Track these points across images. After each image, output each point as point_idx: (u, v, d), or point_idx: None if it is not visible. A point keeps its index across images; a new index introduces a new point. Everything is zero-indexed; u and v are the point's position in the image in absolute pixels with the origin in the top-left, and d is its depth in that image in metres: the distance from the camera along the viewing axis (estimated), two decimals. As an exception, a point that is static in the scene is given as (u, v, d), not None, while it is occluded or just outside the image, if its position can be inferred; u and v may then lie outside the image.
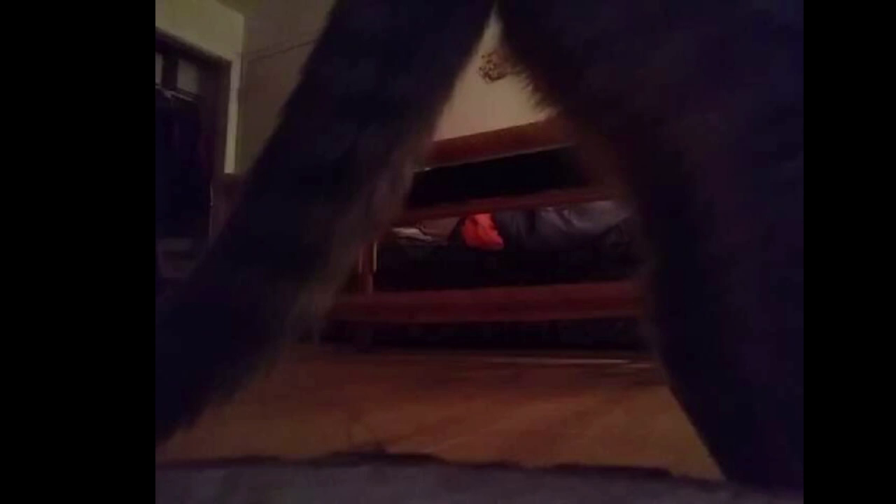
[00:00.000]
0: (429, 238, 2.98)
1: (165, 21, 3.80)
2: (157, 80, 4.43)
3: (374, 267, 2.47)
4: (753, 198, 0.33)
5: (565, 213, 2.63)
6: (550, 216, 2.64)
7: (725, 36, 0.33)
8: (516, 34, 0.40)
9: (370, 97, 0.36)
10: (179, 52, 4.39)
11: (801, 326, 0.30)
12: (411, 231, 2.98)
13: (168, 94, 4.53)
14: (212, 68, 4.59)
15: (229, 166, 4.37)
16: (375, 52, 0.37)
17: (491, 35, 0.40)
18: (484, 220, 2.75)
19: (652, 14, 0.34)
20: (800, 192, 0.29)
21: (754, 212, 0.33)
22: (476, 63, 0.41)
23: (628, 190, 0.47)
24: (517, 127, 1.70)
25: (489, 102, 2.35)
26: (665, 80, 0.34)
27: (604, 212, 2.51)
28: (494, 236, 2.72)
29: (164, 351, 0.35)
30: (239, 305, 0.36)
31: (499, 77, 3.30)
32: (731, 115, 0.32)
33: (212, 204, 4.16)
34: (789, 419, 0.32)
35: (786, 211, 0.31)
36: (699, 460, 0.43)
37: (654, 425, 0.89)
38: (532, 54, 0.41)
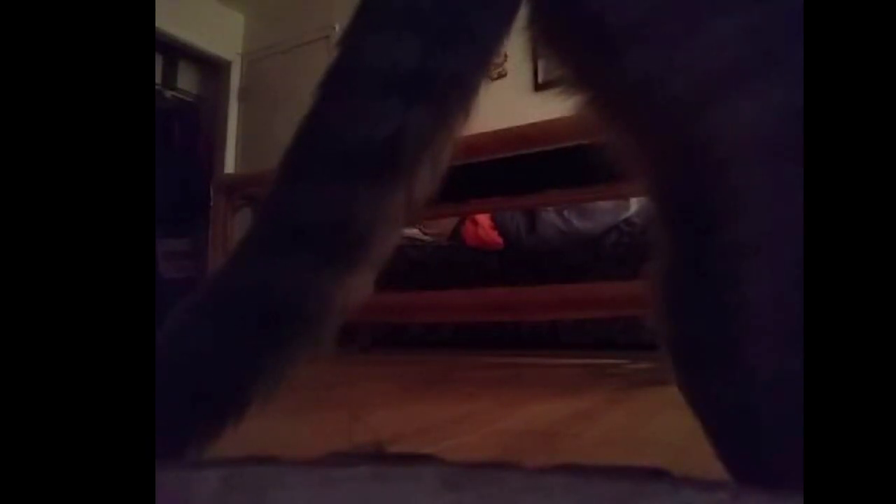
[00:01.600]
0: (429, 238, 2.97)
1: (165, 21, 3.79)
2: (157, 80, 4.43)
3: (374, 267, 2.46)
4: (782, 188, 0.32)
5: (565, 213, 2.63)
6: (550, 216, 2.64)
7: (766, 23, 0.32)
8: (548, 15, 0.39)
9: (416, 74, 0.35)
10: (179, 52, 4.39)
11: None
12: (411, 231, 2.97)
13: (168, 94, 4.53)
14: (212, 68, 4.59)
15: (229, 166, 4.36)
16: (421, 27, 0.36)
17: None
18: (484, 220, 2.75)
19: None
20: None
21: (782, 202, 0.32)
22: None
23: (651, 179, 0.46)
24: (517, 127, 1.70)
25: (489, 102, 2.35)
26: (704, 67, 0.34)
27: (604, 212, 2.51)
28: (494, 236, 2.72)
29: (206, 348, 0.35)
30: (282, 296, 0.35)
31: (499, 77, 3.30)
32: (767, 105, 0.32)
33: (212, 204, 4.15)
34: (795, 415, 0.32)
35: None
36: (699, 460, 0.43)
37: (654, 425, 0.89)
38: (565, 36, 0.40)
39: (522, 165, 1.93)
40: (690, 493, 0.28)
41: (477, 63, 0.37)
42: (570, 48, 0.41)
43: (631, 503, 0.27)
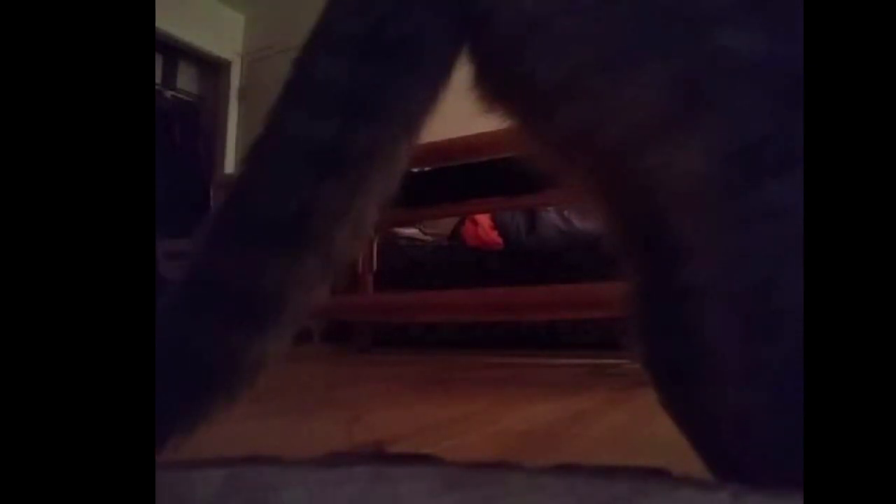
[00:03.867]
0: (429, 238, 2.98)
1: (165, 21, 3.79)
2: (157, 80, 4.42)
3: (374, 267, 2.47)
4: (719, 232, 0.33)
5: (565, 213, 2.63)
6: (550, 216, 2.64)
7: (691, 72, 0.33)
8: (489, 76, 0.40)
9: (331, 149, 0.36)
10: (179, 52, 4.39)
11: (768, 360, 0.30)
12: (411, 231, 2.98)
13: (168, 94, 4.53)
14: (212, 68, 4.59)
15: (229, 166, 4.36)
16: (338, 103, 0.37)
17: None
18: (484, 220, 2.75)
19: (620, 52, 0.34)
20: (763, 227, 0.31)
21: (720, 246, 0.33)
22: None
23: (608, 216, 0.48)
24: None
25: (489, 102, 2.34)
26: (634, 117, 0.35)
27: (604, 212, 2.51)
28: (494, 236, 2.72)
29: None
30: (193, 354, 0.36)
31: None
32: (697, 152, 0.33)
33: (212, 204, 4.15)
34: (763, 452, 0.33)
35: (749, 245, 0.32)
36: (699, 460, 0.43)
37: (654, 425, 0.89)
38: (505, 95, 0.41)
39: (522, 165, 1.94)
40: (690, 493, 0.28)
41: (398, 135, 0.38)
42: (510, 105, 0.42)
43: (631, 503, 0.27)
